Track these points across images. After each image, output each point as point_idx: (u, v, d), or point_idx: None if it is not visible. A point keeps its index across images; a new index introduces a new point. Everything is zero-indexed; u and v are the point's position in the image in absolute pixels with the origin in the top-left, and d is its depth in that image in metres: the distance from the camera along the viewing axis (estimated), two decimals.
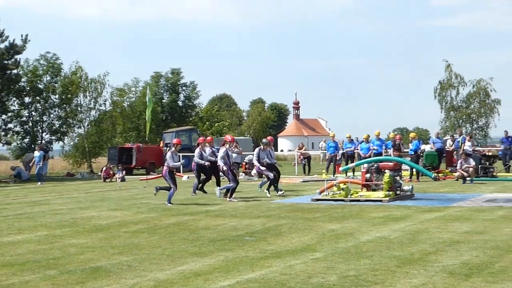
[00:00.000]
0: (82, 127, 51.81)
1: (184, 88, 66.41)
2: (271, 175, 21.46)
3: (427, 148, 32.55)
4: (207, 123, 65.34)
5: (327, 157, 34.39)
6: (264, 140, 22.46)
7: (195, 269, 9.42)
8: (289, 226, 13.75)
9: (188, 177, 34.93)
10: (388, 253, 10.22)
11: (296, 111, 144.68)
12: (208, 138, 22.95)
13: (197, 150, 22.20)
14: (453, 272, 8.66)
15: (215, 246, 11.41)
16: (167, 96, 65.59)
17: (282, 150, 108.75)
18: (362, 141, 31.74)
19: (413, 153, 29.15)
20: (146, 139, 48.45)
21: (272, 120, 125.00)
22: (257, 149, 22.17)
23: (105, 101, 52.74)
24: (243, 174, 33.99)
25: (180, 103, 65.94)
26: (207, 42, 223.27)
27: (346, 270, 8.93)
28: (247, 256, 10.32)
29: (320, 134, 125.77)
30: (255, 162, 22.19)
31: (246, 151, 44.28)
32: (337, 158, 34.00)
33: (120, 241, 12.34)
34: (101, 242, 12.23)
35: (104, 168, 36.98)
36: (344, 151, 33.25)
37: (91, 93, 51.18)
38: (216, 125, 66.36)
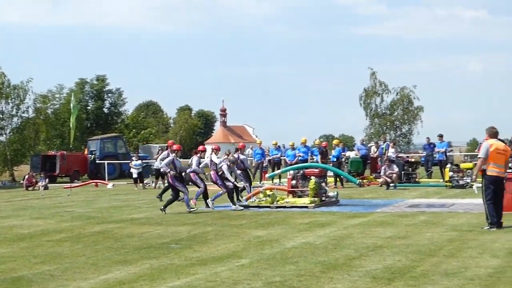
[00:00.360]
0: (4, 135, 50.45)
1: (109, 95, 65.62)
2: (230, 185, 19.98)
3: (352, 154, 33.00)
4: (133, 130, 64.72)
5: (253, 164, 34.51)
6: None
7: (119, 278, 9.32)
8: (215, 233, 13.74)
9: (113, 185, 34.51)
10: (313, 258, 10.33)
11: (223, 118, 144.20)
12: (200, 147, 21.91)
13: (195, 159, 21.08)
14: (376, 276, 8.82)
15: (140, 254, 11.31)
16: (92, 103, 64.65)
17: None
18: (288, 148, 32.00)
19: (335, 159, 29.56)
20: (71, 146, 47.55)
21: (199, 127, 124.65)
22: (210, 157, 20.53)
23: (28, 107, 51.39)
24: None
25: (105, 110, 65.11)
26: (133, 49, 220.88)
27: (272, 276, 8.98)
28: (172, 264, 10.27)
29: (247, 141, 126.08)
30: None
31: None
32: (264, 165, 34.16)
33: (42, 250, 12.10)
34: (23, 252, 11.97)
35: (27, 176, 36.19)
36: (270, 158, 33.46)
37: (13, 99, 49.85)
38: (142, 132, 65.78)
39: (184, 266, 10.03)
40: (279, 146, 34.36)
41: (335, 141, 32.29)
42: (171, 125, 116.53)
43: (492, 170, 13.36)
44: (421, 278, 8.67)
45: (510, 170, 16.13)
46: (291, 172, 20.78)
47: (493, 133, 13.86)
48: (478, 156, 13.87)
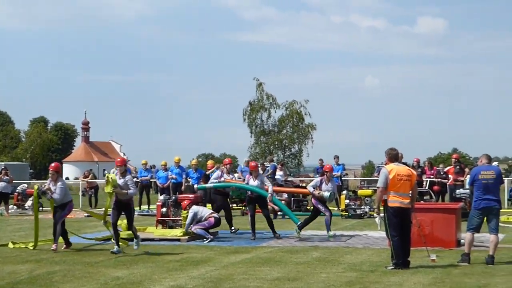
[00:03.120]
0: None
1: None
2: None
3: (235, 177, 32.41)
4: None
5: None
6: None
7: None
8: (64, 274, 12.75)
9: None
10: None
11: (85, 133, 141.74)
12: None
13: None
14: None
15: None
16: None
17: (67, 178, 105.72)
18: (160, 169, 31.15)
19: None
20: None
21: (56, 142, 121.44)
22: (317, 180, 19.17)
23: None
24: (15, 206, 32.09)
25: None
26: None
27: None
28: None
29: (113, 160, 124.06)
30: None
31: (22, 179, 42.22)
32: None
33: None
34: None
35: None
36: (138, 180, 32.39)
37: None
38: None
39: None
40: (150, 167, 33.43)
41: (209, 162, 31.48)
42: (22, 139, 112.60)
43: (394, 201, 13.00)
44: None
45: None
46: (161, 197, 19.94)
47: (392, 156, 13.50)
48: (377, 186, 13.49)
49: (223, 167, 21.89)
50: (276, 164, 32.46)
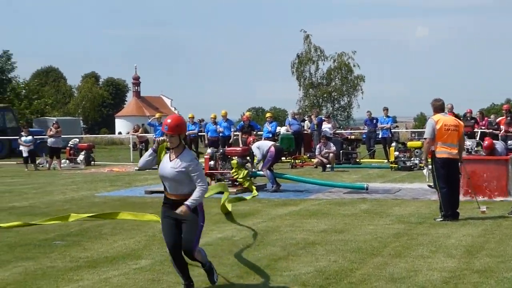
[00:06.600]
0: None
1: None
2: None
3: (282, 130, 32.38)
4: (25, 100, 62.46)
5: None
6: None
7: None
8: (113, 226, 12.83)
9: None
10: (229, 259, 9.61)
11: (136, 88, 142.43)
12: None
13: None
14: (306, 283, 8.13)
15: (14, 254, 10.38)
16: None
17: (120, 133, 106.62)
18: (209, 122, 31.24)
19: (270, 136, 28.79)
20: None
21: (107, 97, 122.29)
22: None
23: None
24: (67, 161, 32.55)
25: None
26: (27, 7, 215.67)
27: (174, 284, 8.19)
28: (53, 267, 9.37)
29: (165, 114, 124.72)
30: None
31: (74, 134, 42.67)
32: None
33: None
34: None
35: None
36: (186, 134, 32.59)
37: None
38: (35, 103, 63.51)
39: (67, 270, 9.14)
40: (199, 120, 33.53)
41: (268, 115, 31.64)
42: (75, 94, 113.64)
43: (441, 152, 12.77)
44: (361, 285, 8.04)
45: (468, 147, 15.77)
46: (209, 151, 19.97)
47: (438, 106, 13.20)
48: (424, 137, 13.27)
49: None
50: (321, 117, 32.27)
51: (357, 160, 28.99)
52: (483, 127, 28.90)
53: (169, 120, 7.73)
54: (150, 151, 7.99)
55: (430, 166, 13.51)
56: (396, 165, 25.14)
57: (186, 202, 7.56)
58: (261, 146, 18.90)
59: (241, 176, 18.41)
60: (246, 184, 18.25)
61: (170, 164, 7.73)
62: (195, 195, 7.62)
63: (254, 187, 18.13)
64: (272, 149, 18.67)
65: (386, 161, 28.00)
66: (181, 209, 7.53)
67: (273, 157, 18.65)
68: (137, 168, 27.03)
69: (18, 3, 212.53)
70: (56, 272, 9.05)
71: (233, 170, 18.61)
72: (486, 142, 16.82)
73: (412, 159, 25.22)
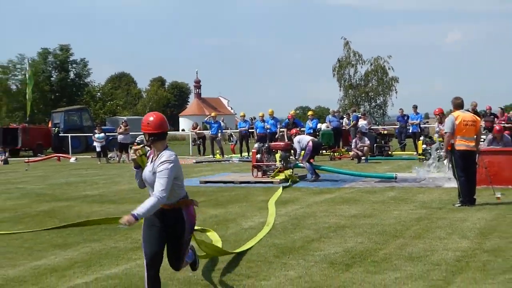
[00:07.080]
0: None
1: (74, 65, 64.06)
2: None
3: (323, 126, 32.29)
4: (99, 102, 63.33)
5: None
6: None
7: (52, 264, 8.60)
8: None
9: (76, 159, 33.62)
10: (268, 241, 9.65)
11: (197, 90, 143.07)
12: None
13: None
14: (333, 261, 8.15)
15: (83, 237, 10.58)
16: (56, 74, 63.06)
17: (183, 130, 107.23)
18: (258, 120, 31.31)
19: (312, 131, 28.76)
20: (27, 119, 46.29)
21: (171, 99, 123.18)
22: None
23: None
24: None
25: (70, 81, 63.54)
26: (104, 18, 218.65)
27: (218, 263, 8.27)
28: (115, 248, 9.55)
29: (222, 113, 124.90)
30: None
31: (141, 131, 42.98)
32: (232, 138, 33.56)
33: None
34: None
35: None
36: (237, 130, 32.76)
37: None
38: (108, 104, 64.33)
39: (127, 250, 9.31)
40: (250, 118, 33.64)
41: (309, 113, 31.62)
42: (143, 96, 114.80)
43: (460, 144, 12.70)
44: (383, 263, 8.02)
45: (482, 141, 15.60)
46: (256, 145, 20.03)
47: (457, 104, 13.15)
48: (445, 131, 13.19)
49: None
50: (357, 114, 32.14)
51: (389, 152, 28.77)
52: (503, 122, 28.39)
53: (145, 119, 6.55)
54: (134, 171, 6.59)
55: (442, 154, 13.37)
56: (424, 157, 24.86)
57: (132, 211, 5.87)
58: (301, 140, 18.92)
59: (287, 174, 18.49)
60: (289, 177, 18.29)
61: (148, 168, 6.30)
62: (145, 203, 5.93)
63: (295, 177, 18.23)
64: (310, 143, 18.67)
65: (415, 153, 27.75)
66: (123, 219, 5.86)
67: (311, 150, 18.64)
68: (194, 161, 27.23)
69: (96, 18, 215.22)
70: (118, 252, 9.22)
71: (278, 163, 18.75)
72: (497, 127, 16.79)
73: (438, 151, 24.91)
